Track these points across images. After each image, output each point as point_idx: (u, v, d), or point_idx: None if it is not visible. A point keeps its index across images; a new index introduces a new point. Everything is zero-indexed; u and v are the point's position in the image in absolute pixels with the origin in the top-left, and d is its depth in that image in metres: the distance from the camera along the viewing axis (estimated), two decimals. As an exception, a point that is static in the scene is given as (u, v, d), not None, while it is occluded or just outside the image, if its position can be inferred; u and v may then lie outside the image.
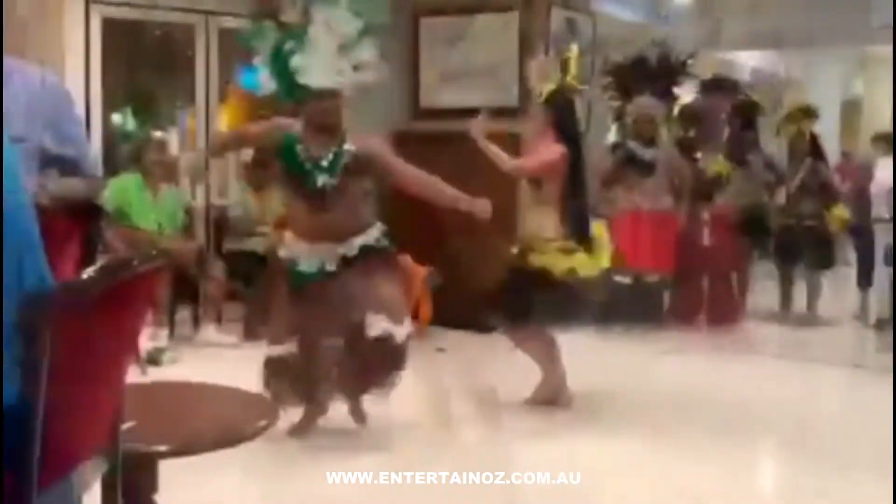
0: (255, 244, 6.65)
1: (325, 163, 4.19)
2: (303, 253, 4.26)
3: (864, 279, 8.09)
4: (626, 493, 3.81)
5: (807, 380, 6.01)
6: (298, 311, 4.28)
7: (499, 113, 6.66)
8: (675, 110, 7.78)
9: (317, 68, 4.11)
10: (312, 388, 4.35)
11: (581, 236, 4.93)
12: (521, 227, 5.10)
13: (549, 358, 5.03)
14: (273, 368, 4.26)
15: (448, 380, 4.58)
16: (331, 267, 4.23)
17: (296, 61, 4.11)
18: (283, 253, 4.36)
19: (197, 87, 7.13)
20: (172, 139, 8.64)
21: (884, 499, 3.84)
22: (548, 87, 4.93)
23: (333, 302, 4.21)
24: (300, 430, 4.37)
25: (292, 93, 4.23)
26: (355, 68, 4.20)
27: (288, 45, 4.13)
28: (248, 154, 6.73)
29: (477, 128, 4.94)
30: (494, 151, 4.91)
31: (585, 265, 4.86)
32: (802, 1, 10.06)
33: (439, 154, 7.16)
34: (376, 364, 4.20)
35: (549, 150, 4.89)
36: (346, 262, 4.24)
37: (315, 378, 4.33)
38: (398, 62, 6.91)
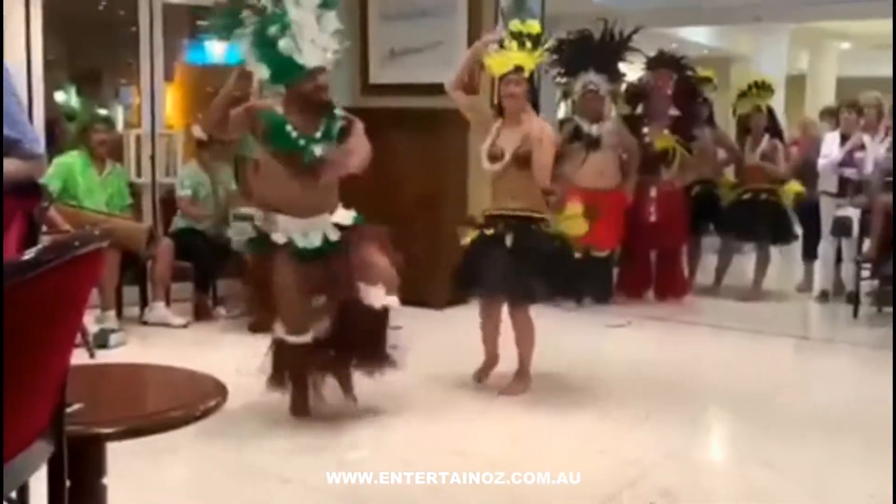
0: (204, 224, 6.59)
1: (318, 134, 4.19)
2: (302, 229, 4.21)
3: (810, 252, 8.23)
4: (576, 465, 3.84)
5: (753, 351, 6.11)
6: (307, 291, 4.24)
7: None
8: (622, 87, 7.80)
9: (309, 47, 4.11)
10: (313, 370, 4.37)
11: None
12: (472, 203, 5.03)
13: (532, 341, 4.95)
14: (288, 355, 4.25)
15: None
16: (334, 237, 4.22)
17: (285, 44, 4.06)
18: (278, 238, 4.21)
19: (141, 64, 7.01)
20: (117, 116, 8.52)
21: (825, 466, 3.94)
22: (526, 63, 4.81)
23: (336, 274, 4.19)
24: (302, 409, 4.38)
25: (284, 75, 4.17)
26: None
27: (271, 30, 4.07)
28: (200, 132, 6.61)
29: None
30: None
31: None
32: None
33: (389, 130, 7.18)
34: (373, 335, 4.23)
35: (546, 131, 4.76)
36: (343, 231, 4.25)
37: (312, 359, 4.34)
38: (347, 38, 6.85)
